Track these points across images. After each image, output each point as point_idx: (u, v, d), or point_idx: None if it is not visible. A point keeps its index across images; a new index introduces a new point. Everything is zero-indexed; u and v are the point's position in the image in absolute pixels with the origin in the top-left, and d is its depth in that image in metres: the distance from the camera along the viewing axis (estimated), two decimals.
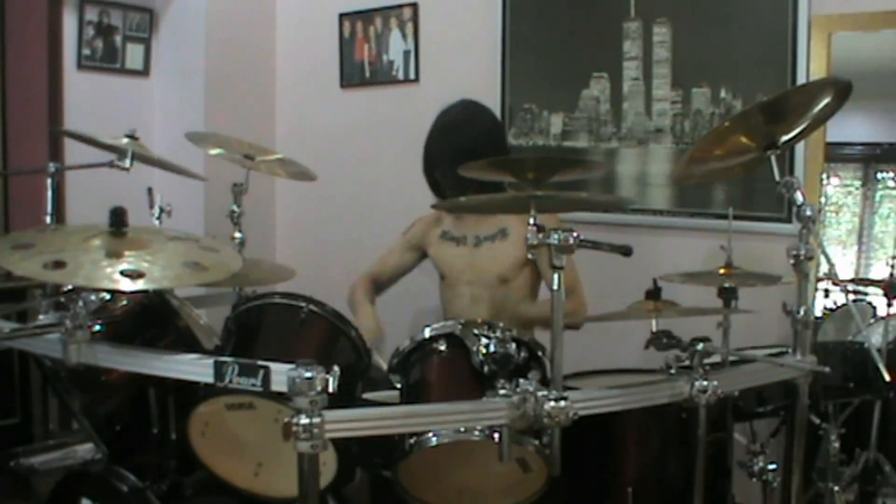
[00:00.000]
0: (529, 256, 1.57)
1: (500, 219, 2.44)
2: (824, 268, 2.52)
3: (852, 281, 2.67)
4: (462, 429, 1.61)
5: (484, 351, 1.68)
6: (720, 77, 2.79)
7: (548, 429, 1.59)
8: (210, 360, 1.60)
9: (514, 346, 1.70)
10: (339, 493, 1.99)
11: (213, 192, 3.09)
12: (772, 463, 1.92)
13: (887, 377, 1.80)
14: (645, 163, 2.98)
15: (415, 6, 3.50)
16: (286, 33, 3.98)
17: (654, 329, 1.83)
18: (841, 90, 1.75)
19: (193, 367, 1.64)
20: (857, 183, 2.79)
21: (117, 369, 1.84)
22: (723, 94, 2.79)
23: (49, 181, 2.21)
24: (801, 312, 1.72)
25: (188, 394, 1.78)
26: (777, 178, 1.75)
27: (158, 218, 2.33)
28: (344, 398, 1.52)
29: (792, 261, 1.71)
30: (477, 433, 1.61)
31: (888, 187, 2.77)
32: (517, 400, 1.50)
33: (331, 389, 1.36)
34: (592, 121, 3.08)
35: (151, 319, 2.03)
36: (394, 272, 2.66)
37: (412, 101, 3.46)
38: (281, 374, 1.45)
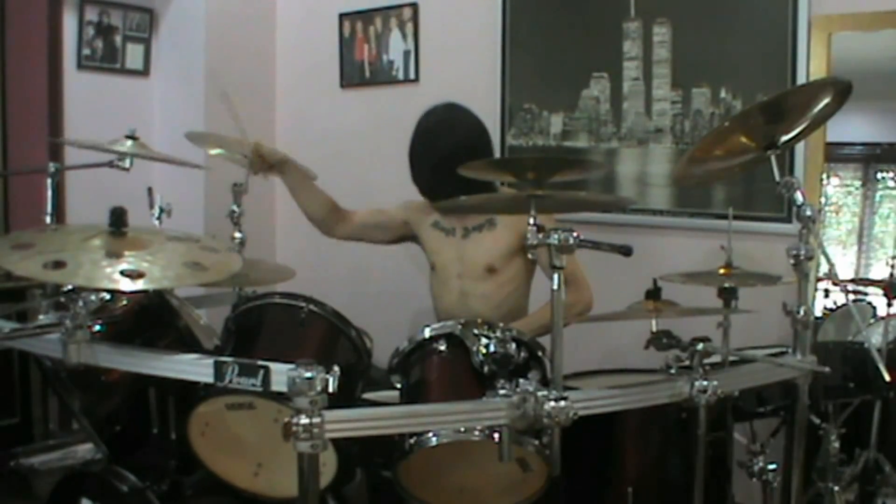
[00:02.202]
0: (530, 256, 1.57)
1: None
2: (824, 268, 2.52)
3: (852, 281, 2.67)
4: (462, 429, 1.62)
5: (484, 351, 1.68)
6: (720, 77, 2.79)
7: (548, 429, 1.59)
8: (210, 360, 1.60)
9: (514, 346, 1.70)
10: (339, 493, 1.99)
11: (212, 192, 3.09)
12: (772, 463, 1.92)
13: (887, 377, 1.79)
14: (645, 163, 2.98)
15: (415, 6, 3.50)
16: (286, 33, 3.98)
17: (654, 329, 1.82)
18: (841, 90, 1.74)
19: (193, 367, 1.64)
20: (857, 183, 2.79)
21: (117, 369, 1.83)
22: (723, 94, 2.79)
23: (49, 181, 2.22)
24: (801, 312, 1.72)
25: (188, 394, 1.78)
26: (777, 178, 1.75)
27: (158, 218, 2.32)
28: (344, 398, 1.52)
29: (792, 261, 1.71)
30: (477, 433, 1.62)
31: (888, 187, 2.77)
32: (517, 400, 1.50)
33: (331, 389, 1.36)
34: (592, 121, 3.08)
35: (151, 319, 2.03)
36: (368, 217, 2.61)
37: (412, 101, 3.43)
38: (281, 374, 1.45)
